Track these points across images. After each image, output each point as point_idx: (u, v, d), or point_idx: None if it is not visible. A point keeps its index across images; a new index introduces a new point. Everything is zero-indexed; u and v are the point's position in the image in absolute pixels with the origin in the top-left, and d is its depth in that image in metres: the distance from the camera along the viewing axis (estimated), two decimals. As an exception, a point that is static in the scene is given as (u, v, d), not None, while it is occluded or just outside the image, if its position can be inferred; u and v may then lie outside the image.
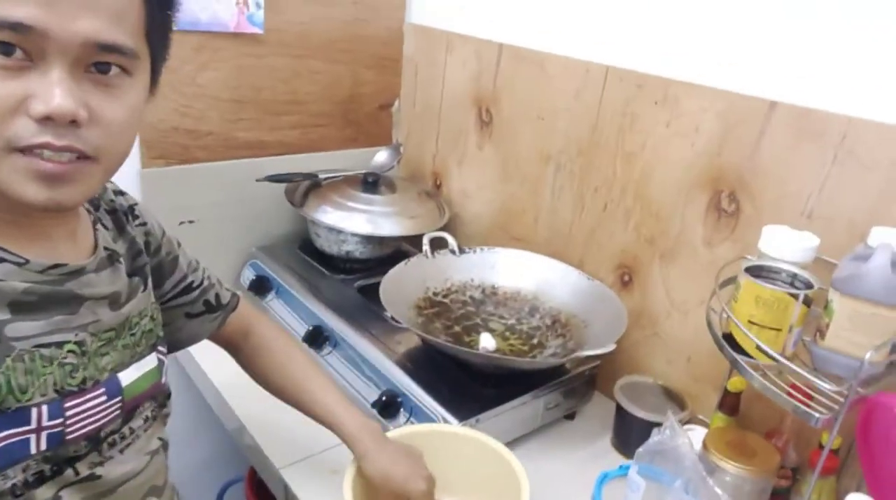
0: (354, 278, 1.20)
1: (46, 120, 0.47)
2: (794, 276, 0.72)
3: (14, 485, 0.52)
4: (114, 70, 0.50)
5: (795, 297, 0.68)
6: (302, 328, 1.09)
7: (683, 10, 0.91)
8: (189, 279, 0.77)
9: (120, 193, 0.69)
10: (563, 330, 1.07)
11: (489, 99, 1.21)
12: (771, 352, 0.68)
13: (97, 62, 0.49)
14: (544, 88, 1.10)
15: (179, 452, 1.34)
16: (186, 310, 0.77)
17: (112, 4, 0.48)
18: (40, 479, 0.54)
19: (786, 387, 0.69)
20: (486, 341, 1.02)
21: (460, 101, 1.27)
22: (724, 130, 0.88)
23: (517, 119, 1.17)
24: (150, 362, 0.64)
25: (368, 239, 1.19)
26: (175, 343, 0.78)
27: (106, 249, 0.61)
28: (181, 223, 1.19)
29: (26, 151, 0.47)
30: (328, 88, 1.31)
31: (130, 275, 0.64)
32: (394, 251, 1.24)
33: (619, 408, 0.97)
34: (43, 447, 0.53)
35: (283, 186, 1.22)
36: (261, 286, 1.20)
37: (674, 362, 1.01)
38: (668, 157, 0.96)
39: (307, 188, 1.23)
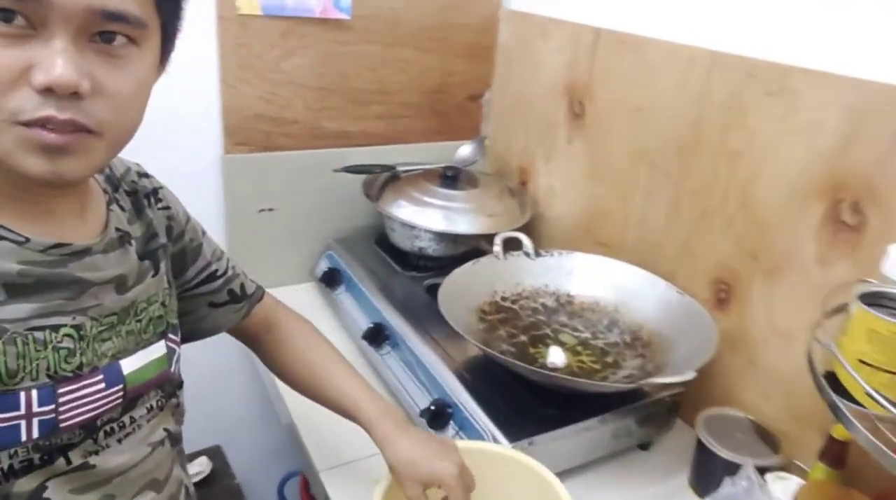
0: (425, 276, 1.14)
1: (48, 91, 0.45)
2: (925, 308, 0.57)
3: None
4: (119, 40, 0.48)
5: (923, 335, 0.54)
6: (365, 324, 1.05)
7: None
8: (213, 267, 0.75)
9: (145, 175, 0.68)
10: (643, 349, 0.95)
11: (582, 89, 1.11)
12: (883, 401, 0.54)
13: (102, 31, 0.47)
14: (643, 76, 0.99)
15: (242, 442, 1.38)
16: (210, 299, 0.76)
17: None
18: (28, 468, 0.51)
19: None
20: (556, 356, 0.92)
21: (552, 91, 1.18)
22: (853, 126, 0.73)
23: (611, 111, 1.06)
24: (158, 349, 0.62)
25: (442, 236, 1.14)
26: (198, 332, 0.77)
27: (118, 229, 0.60)
28: (261, 211, 1.20)
29: (29, 124, 0.46)
30: (417, 78, 1.26)
31: (141, 258, 0.61)
32: (469, 250, 1.18)
33: (700, 444, 0.84)
34: (35, 433, 0.51)
35: (362, 177, 1.19)
36: (332, 279, 1.18)
37: (771, 397, 0.87)
38: (780, 157, 0.81)
39: (385, 181, 1.19)
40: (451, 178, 1.17)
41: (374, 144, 1.27)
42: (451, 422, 0.86)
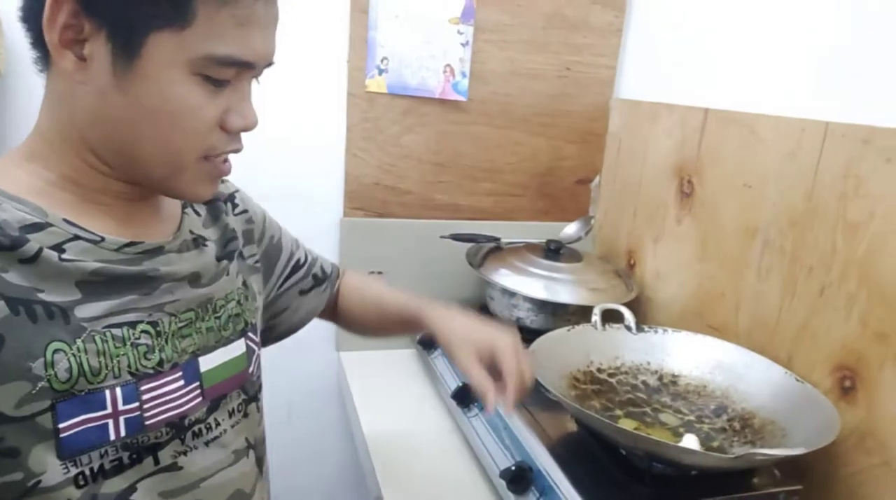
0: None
1: (238, 131, 0.54)
2: None
3: (80, 475, 0.50)
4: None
5: None
6: (454, 384, 1.04)
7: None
8: (296, 257, 0.80)
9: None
10: (753, 437, 0.86)
11: (692, 168, 1.10)
12: None
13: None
14: (753, 152, 0.97)
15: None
16: (300, 287, 0.80)
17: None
18: (118, 467, 0.52)
19: None
20: (689, 443, 0.81)
21: (661, 172, 1.17)
22: None
23: (721, 189, 1.04)
24: (238, 347, 0.62)
25: (542, 306, 1.13)
26: (296, 324, 0.81)
27: (192, 232, 0.61)
28: (371, 272, 1.26)
29: (212, 157, 0.54)
30: (527, 160, 1.32)
31: (218, 259, 0.63)
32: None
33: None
34: (122, 432, 0.51)
35: (466, 247, 1.23)
36: (429, 343, 1.20)
37: (910, 505, 0.74)
38: (906, 227, 0.75)
39: (488, 251, 1.22)
40: (554, 251, 1.18)
41: (482, 218, 1.31)
42: (533, 487, 0.81)
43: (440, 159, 1.26)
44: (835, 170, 0.83)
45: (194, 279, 0.59)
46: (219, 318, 0.61)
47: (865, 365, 0.80)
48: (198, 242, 0.61)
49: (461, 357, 0.69)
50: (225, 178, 0.71)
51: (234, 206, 0.71)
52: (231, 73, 0.51)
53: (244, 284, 0.66)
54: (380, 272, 1.26)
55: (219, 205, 0.68)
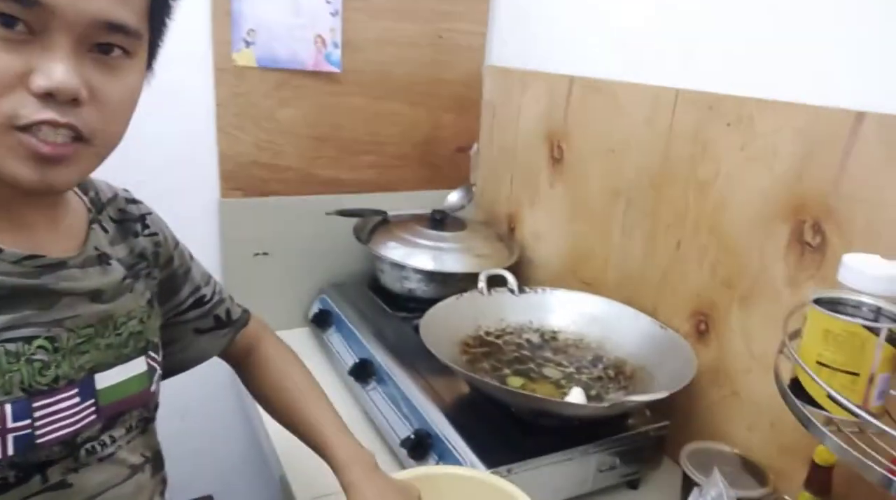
0: (415, 316, 1.15)
1: (47, 96, 0.45)
2: (878, 310, 0.58)
3: None
4: (116, 51, 0.49)
5: (875, 332, 0.55)
6: (351, 361, 1.06)
7: (754, 19, 0.82)
8: (202, 292, 0.75)
9: (133, 201, 0.68)
10: (626, 382, 0.95)
11: (560, 134, 1.16)
12: (845, 401, 0.54)
13: (100, 42, 0.48)
14: (615, 118, 1.04)
15: (235, 493, 1.35)
16: (196, 325, 0.75)
17: None
18: (2, 486, 0.49)
19: (871, 452, 0.54)
20: (576, 397, 0.89)
21: (533, 139, 1.23)
22: (805, 150, 0.76)
23: (588, 154, 1.10)
24: (138, 366, 0.60)
25: (431, 277, 1.16)
26: (184, 363, 0.75)
27: (97, 249, 0.59)
28: (255, 255, 1.23)
29: (25, 129, 0.46)
30: (407, 130, 1.32)
31: (123, 278, 0.61)
32: (458, 293, 1.19)
33: (686, 479, 0.83)
34: (10, 451, 0.49)
35: (353, 222, 1.23)
36: (323, 320, 1.20)
37: (755, 428, 0.86)
38: (744, 185, 0.84)
39: (375, 225, 1.23)
40: (440, 221, 1.21)
41: (366, 191, 1.31)
42: (431, 451, 0.85)
43: (319, 133, 1.24)
44: (685, 133, 0.91)
45: (95, 295, 0.56)
46: (119, 335, 0.58)
47: (716, 309, 0.90)
48: (102, 258, 0.59)
49: None
50: (137, 198, 0.68)
51: (145, 227, 0.67)
52: (16, 9, 0.43)
53: (149, 303, 0.64)
54: (265, 253, 1.24)
55: (129, 224, 0.65)
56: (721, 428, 0.91)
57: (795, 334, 0.64)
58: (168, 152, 1.12)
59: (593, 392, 0.94)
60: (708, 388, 0.92)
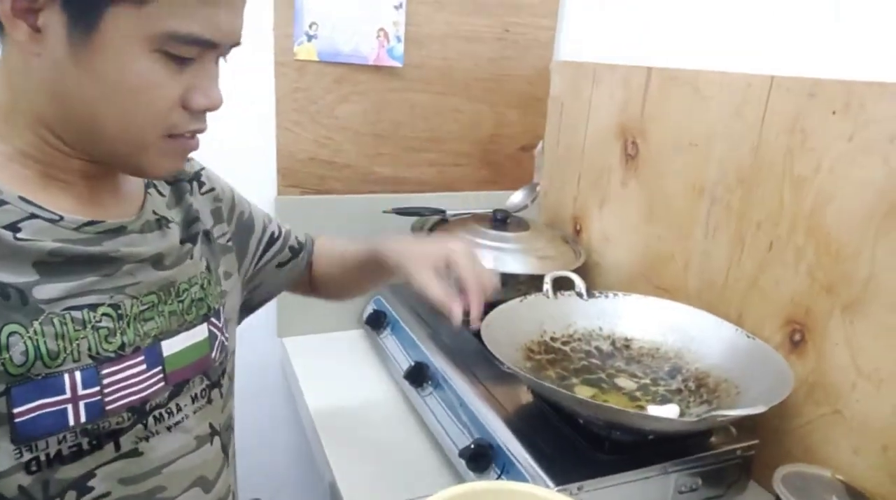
0: (473, 319, 1.10)
1: (201, 110, 0.52)
2: None
3: (34, 460, 0.48)
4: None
5: None
6: (406, 364, 1.01)
7: (869, -7, 0.73)
8: (269, 230, 0.79)
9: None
10: (709, 396, 0.86)
11: (636, 129, 1.08)
12: None
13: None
14: (698, 110, 0.96)
15: (280, 495, 1.32)
16: (277, 260, 0.80)
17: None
18: (77, 453, 0.50)
19: None
20: (666, 411, 0.82)
21: (605, 136, 1.15)
22: (931, 136, 0.67)
23: (666, 149, 1.02)
24: (200, 332, 0.60)
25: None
26: (273, 292, 0.82)
27: (155, 212, 0.59)
28: (312, 253, 1.20)
29: (177, 135, 0.52)
30: (469, 128, 1.27)
31: (182, 241, 0.61)
32: (520, 296, 1.13)
33: (781, 504, 0.73)
34: (82, 418, 0.50)
35: (411, 220, 1.19)
36: (377, 321, 1.15)
37: (863, 452, 0.75)
38: (850, 179, 0.75)
39: (434, 224, 1.18)
40: (501, 220, 1.15)
41: (425, 190, 1.27)
42: (493, 464, 0.79)
43: (378, 130, 1.20)
44: (780, 124, 0.83)
45: (157, 261, 0.57)
46: (182, 302, 0.59)
47: (814, 318, 0.81)
48: (161, 222, 0.59)
49: (417, 276, 0.68)
50: (190, 156, 0.68)
51: (201, 184, 0.69)
52: (194, 51, 0.49)
53: (207, 268, 0.65)
54: (321, 251, 1.20)
55: (183, 185, 0.66)
56: (819, 450, 0.81)
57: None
58: (225, 148, 1.08)
59: (673, 405, 0.86)
60: (803, 405, 0.82)
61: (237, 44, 0.53)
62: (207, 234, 0.66)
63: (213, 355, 0.62)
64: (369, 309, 1.20)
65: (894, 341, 0.72)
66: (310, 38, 1.10)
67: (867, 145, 0.73)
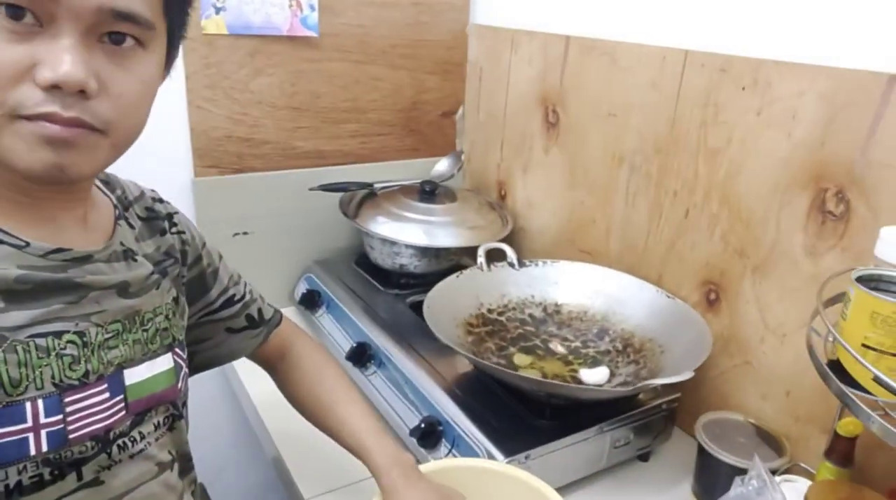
0: (408, 293, 1.11)
1: (54, 88, 0.44)
2: (925, 288, 0.55)
3: None
4: (128, 42, 0.48)
5: (926, 314, 0.52)
6: (347, 345, 1.01)
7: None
8: (231, 292, 0.74)
9: (159, 200, 0.67)
10: (636, 356, 0.93)
11: (556, 97, 1.10)
12: (893, 384, 0.52)
13: (111, 32, 0.47)
14: (616, 80, 0.99)
15: (228, 481, 1.32)
16: (228, 325, 0.74)
17: None
18: (38, 484, 0.49)
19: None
20: (598, 376, 0.88)
21: (525, 103, 1.17)
22: (829, 114, 0.72)
23: (586, 118, 1.05)
24: (165, 362, 0.59)
25: (423, 251, 1.11)
26: (215, 359, 0.75)
27: (122, 244, 0.58)
28: (235, 235, 1.16)
29: (31, 118, 0.45)
30: (389, 96, 1.25)
31: (151, 273, 0.60)
32: (452, 266, 1.15)
33: (702, 450, 0.81)
34: (44, 447, 0.48)
35: (338, 196, 1.17)
36: (311, 301, 1.15)
37: (770, 398, 0.85)
38: (758, 151, 0.81)
39: (362, 198, 1.17)
40: (429, 192, 1.15)
41: (349, 162, 1.24)
42: (443, 440, 0.82)
43: (296, 103, 1.16)
44: (695, 97, 0.87)
45: (122, 289, 0.56)
46: (146, 330, 0.58)
47: (727, 279, 0.88)
48: (127, 254, 0.58)
49: None
50: (163, 198, 0.67)
51: (173, 225, 0.67)
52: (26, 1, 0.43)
53: (174, 300, 0.63)
54: (245, 233, 1.17)
55: (157, 223, 0.65)
56: (732, 398, 0.90)
57: (826, 304, 0.62)
58: (136, 130, 1.03)
59: (603, 367, 0.92)
60: (718, 357, 0.90)
61: (118, 13, 0.45)
62: (178, 272, 0.66)
63: (179, 385, 0.61)
64: (302, 288, 1.19)
65: (795, 300, 0.80)
66: (217, 10, 1.03)
67: (773, 120, 0.78)
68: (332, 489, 0.83)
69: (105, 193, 0.61)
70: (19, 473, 0.48)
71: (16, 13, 0.43)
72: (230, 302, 0.74)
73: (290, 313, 1.21)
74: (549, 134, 1.14)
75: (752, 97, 0.80)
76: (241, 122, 1.12)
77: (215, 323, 0.74)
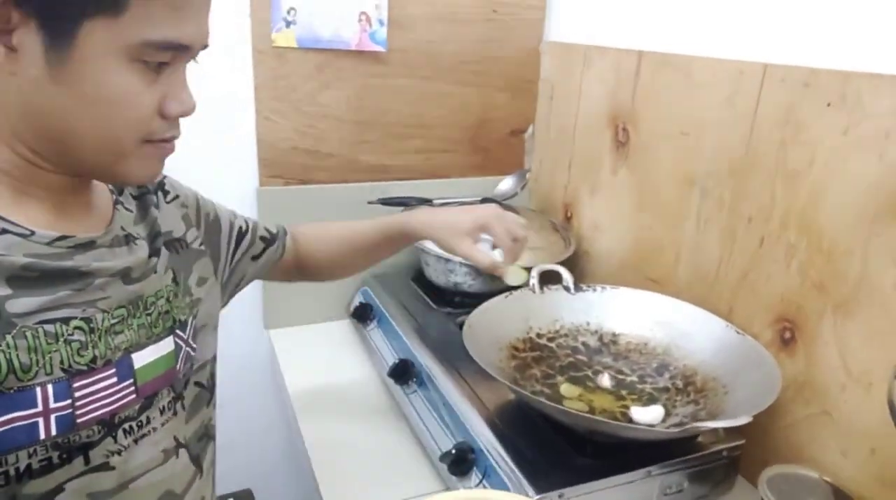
0: (460, 312, 1.07)
1: (176, 117, 0.53)
2: None
3: (2, 475, 0.48)
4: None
5: None
6: (392, 360, 0.99)
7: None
8: (237, 226, 0.79)
9: None
10: (696, 395, 0.84)
11: (626, 115, 1.04)
12: None
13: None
14: (689, 97, 0.92)
15: (275, 488, 1.32)
16: (251, 254, 0.81)
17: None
18: (47, 467, 0.50)
19: None
20: (650, 415, 0.80)
21: (596, 121, 1.12)
22: (929, 133, 0.63)
23: (657, 137, 0.99)
24: (167, 345, 0.60)
25: (479, 271, 1.07)
26: (246, 284, 0.82)
27: (123, 229, 0.59)
28: (296, 244, 1.17)
29: (156, 142, 0.53)
30: (456, 112, 1.24)
31: (149, 256, 0.61)
32: (508, 287, 1.10)
33: (766, 507, 0.72)
34: (53, 431, 0.50)
35: (398, 211, 1.16)
36: (364, 314, 1.14)
37: (850, 454, 0.74)
38: (845, 174, 0.72)
39: (420, 213, 1.15)
40: (489, 210, 1.12)
41: (412, 178, 1.24)
42: (475, 469, 0.77)
43: (362, 117, 1.17)
44: (775, 115, 0.79)
45: (125, 275, 0.57)
46: (150, 315, 0.59)
47: (804, 316, 0.79)
48: (128, 238, 0.60)
49: (459, 248, 0.80)
50: None
51: (166, 193, 0.69)
52: (168, 56, 0.50)
53: (174, 280, 0.64)
54: (306, 242, 1.18)
55: (148, 198, 0.66)
56: (806, 451, 0.79)
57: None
58: (204, 140, 1.07)
59: (658, 406, 0.84)
60: (791, 404, 0.81)
61: (206, 46, 0.53)
62: (179, 242, 0.66)
63: (178, 367, 0.62)
64: (356, 301, 1.19)
65: (885, 344, 0.69)
66: (288, 23, 1.05)
67: (862, 140, 0.70)
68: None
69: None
70: (29, 457, 0.49)
71: (160, 68, 0.50)
72: (241, 235, 0.80)
73: (344, 324, 1.22)
74: (618, 154, 1.08)
75: (839, 114, 0.72)
76: (307, 134, 1.14)
77: (241, 260, 0.79)
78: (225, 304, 0.80)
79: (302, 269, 0.90)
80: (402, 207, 1.15)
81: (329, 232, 0.90)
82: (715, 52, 0.88)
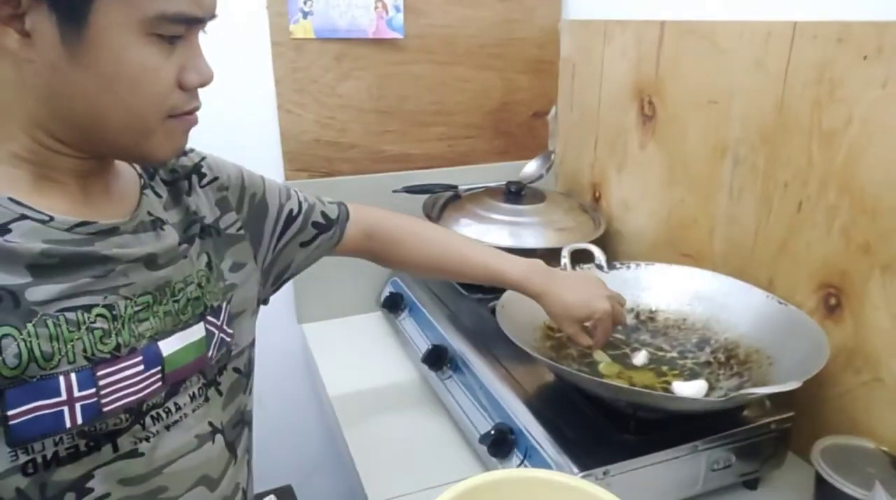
0: (491, 298, 1.06)
1: (196, 87, 0.53)
2: None
3: (30, 462, 0.48)
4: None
5: None
6: (425, 347, 0.98)
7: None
8: (287, 209, 0.74)
9: (184, 153, 0.66)
10: (740, 368, 0.82)
11: (651, 88, 1.02)
12: None
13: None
14: (716, 64, 0.89)
15: (315, 485, 1.32)
16: (300, 240, 0.76)
17: None
18: (74, 455, 0.50)
19: None
20: (692, 389, 0.78)
21: (620, 97, 1.10)
22: (976, 78, 0.60)
23: (684, 108, 0.97)
24: (197, 332, 0.59)
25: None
26: (301, 268, 0.78)
27: (150, 214, 0.58)
28: (324, 237, 1.17)
29: (179, 116, 0.52)
30: (477, 97, 1.22)
31: (179, 242, 0.59)
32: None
33: (821, 480, 0.70)
34: (79, 420, 0.49)
35: (423, 198, 1.15)
36: (394, 304, 1.13)
37: (907, 421, 0.71)
38: (885, 130, 0.69)
39: (446, 201, 1.15)
40: (515, 193, 1.11)
41: (436, 166, 1.23)
42: (515, 449, 0.76)
43: (383, 106, 1.16)
44: (806, 75, 0.77)
45: (150, 261, 0.56)
46: (177, 301, 0.57)
47: (850, 280, 0.76)
48: (156, 224, 0.58)
49: (568, 332, 0.78)
50: (189, 148, 0.68)
51: (202, 176, 0.66)
52: (182, 29, 0.50)
53: (208, 265, 0.63)
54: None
55: (181, 185, 0.64)
56: (859, 420, 0.77)
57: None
58: (227, 134, 1.07)
59: (702, 380, 0.82)
60: (841, 373, 0.78)
61: (215, 16, 0.53)
62: (212, 228, 0.65)
63: (210, 353, 0.61)
64: (386, 292, 1.18)
65: (939, 304, 0.67)
66: (305, 14, 1.05)
67: (904, 92, 0.67)
68: (400, 496, 0.79)
69: (130, 164, 0.61)
70: (55, 444, 0.49)
71: (174, 41, 0.50)
72: (291, 219, 0.75)
73: (375, 316, 1.21)
74: (644, 128, 1.05)
75: (877, 67, 0.69)
76: (328, 126, 1.14)
77: (288, 245, 0.75)
78: (275, 290, 0.77)
79: (376, 260, 0.85)
80: (427, 194, 1.14)
81: (432, 247, 0.82)
82: (740, 15, 0.85)
